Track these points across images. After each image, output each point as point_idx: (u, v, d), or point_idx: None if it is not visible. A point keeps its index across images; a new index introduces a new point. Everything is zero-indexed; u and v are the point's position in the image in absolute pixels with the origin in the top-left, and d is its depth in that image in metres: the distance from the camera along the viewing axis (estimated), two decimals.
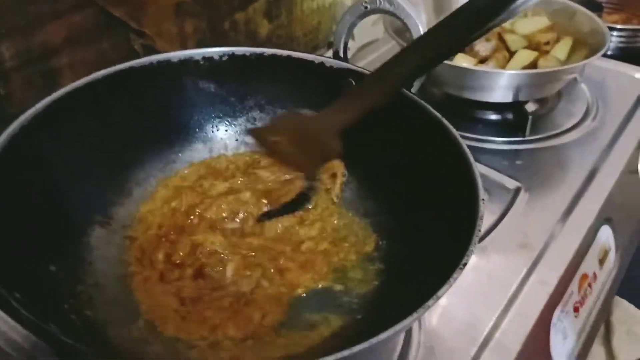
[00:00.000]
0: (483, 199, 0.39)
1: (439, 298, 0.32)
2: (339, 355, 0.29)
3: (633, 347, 0.68)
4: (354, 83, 0.54)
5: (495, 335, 0.49)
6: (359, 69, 0.53)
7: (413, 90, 0.52)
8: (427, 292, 0.33)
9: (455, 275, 0.33)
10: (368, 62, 0.89)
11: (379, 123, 0.52)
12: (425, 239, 0.44)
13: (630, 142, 0.74)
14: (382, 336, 0.31)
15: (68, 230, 0.45)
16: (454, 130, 0.46)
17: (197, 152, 0.56)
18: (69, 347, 0.28)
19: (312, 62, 0.55)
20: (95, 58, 0.60)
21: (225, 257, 0.46)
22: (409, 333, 0.48)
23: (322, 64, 0.54)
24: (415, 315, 0.32)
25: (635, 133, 0.76)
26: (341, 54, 0.55)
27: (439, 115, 0.48)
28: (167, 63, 0.53)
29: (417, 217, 0.46)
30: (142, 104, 0.53)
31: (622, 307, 0.72)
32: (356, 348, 0.29)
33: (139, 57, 0.53)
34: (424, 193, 0.47)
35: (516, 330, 0.49)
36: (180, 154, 0.55)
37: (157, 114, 0.54)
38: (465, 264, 0.34)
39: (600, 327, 0.68)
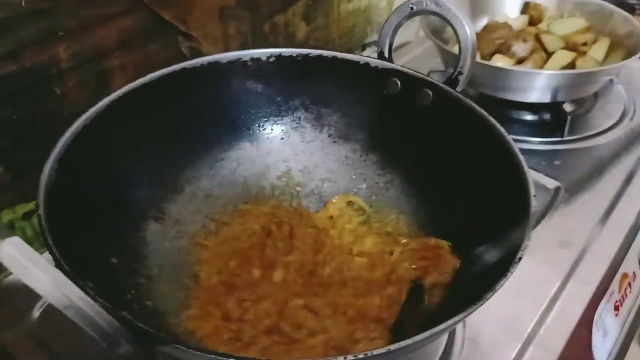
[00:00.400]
0: (534, 195, 0.39)
1: (496, 291, 0.33)
2: (401, 344, 0.30)
3: None
4: (399, 83, 0.55)
5: (540, 332, 0.49)
6: (404, 69, 0.54)
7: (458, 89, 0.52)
8: (483, 288, 0.34)
9: (512, 269, 0.34)
10: (401, 64, 0.89)
11: (425, 123, 0.53)
12: (476, 237, 0.45)
13: None
14: (442, 327, 0.32)
15: (126, 224, 0.47)
16: (501, 128, 0.47)
17: (244, 151, 0.57)
18: (145, 332, 0.29)
19: (357, 62, 0.56)
20: (144, 60, 0.62)
21: None
22: (452, 329, 0.49)
23: (367, 64, 0.56)
24: (473, 307, 0.33)
25: None
26: (386, 54, 0.56)
27: (484, 112, 0.48)
28: (217, 64, 0.55)
29: (467, 215, 0.47)
30: (192, 104, 0.54)
31: None
32: (417, 337, 0.31)
33: (185, 59, 0.54)
34: (473, 191, 0.48)
35: (560, 327, 0.50)
36: (227, 152, 0.57)
37: (207, 114, 0.55)
38: (520, 258, 0.35)
39: (638, 327, 0.67)
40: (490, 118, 0.48)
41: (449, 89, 0.52)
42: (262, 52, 0.57)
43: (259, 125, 0.58)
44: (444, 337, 0.48)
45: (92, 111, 0.46)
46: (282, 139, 0.59)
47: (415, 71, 0.54)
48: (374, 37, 0.98)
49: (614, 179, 0.67)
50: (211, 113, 0.56)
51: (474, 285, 0.34)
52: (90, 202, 0.43)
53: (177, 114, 0.53)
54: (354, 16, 0.92)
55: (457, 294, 0.38)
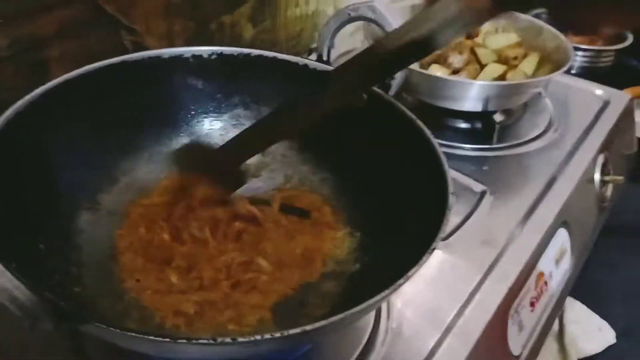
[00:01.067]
0: (452, 192, 0.42)
1: (409, 277, 0.36)
2: (318, 324, 0.32)
3: (584, 344, 0.72)
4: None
5: (458, 322, 0.52)
6: None
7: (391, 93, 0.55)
8: (399, 275, 0.37)
9: (425, 258, 0.37)
10: None
11: (358, 123, 0.56)
12: (397, 230, 0.47)
13: (588, 153, 0.79)
14: (357, 309, 0.34)
15: (57, 212, 0.47)
16: (426, 129, 0.49)
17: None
18: (67, 311, 0.30)
19: (296, 63, 0.58)
20: (83, 52, 0.62)
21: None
22: (377, 318, 0.51)
23: (305, 65, 0.58)
24: (387, 291, 0.35)
25: (593, 145, 0.81)
26: (325, 57, 0.59)
27: (412, 115, 0.51)
28: (158, 59, 0.56)
29: (390, 209, 0.50)
30: (131, 97, 0.55)
31: (575, 307, 0.76)
32: (333, 318, 0.33)
33: (127, 52, 0.55)
34: (397, 188, 0.50)
35: (477, 319, 0.53)
36: (166, 147, 0.58)
37: (146, 108, 0.56)
38: (434, 249, 0.38)
39: (554, 324, 0.72)
40: (418, 121, 0.51)
41: (381, 92, 0.55)
42: (204, 50, 0.58)
43: (198, 122, 0.60)
44: (369, 325, 0.51)
45: (26, 99, 0.46)
46: (220, 135, 0.60)
47: None
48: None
49: (536, 184, 0.71)
50: (150, 107, 0.57)
51: (390, 276, 0.37)
52: (21, 188, 0.43)
53: (115, 107, 0.54)
54: (302, 21, 0.95)
55: (373, 285, 0.40)
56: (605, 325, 0.75)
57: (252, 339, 0.30)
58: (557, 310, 0.69)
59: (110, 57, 0.53)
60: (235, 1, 0.79)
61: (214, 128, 0.60)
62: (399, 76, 0.56)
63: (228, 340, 0.30)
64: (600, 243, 0.82)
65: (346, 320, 0.34)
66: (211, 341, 0.30)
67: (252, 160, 0.58)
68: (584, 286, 0.80)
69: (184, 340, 0.30)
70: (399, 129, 0.52)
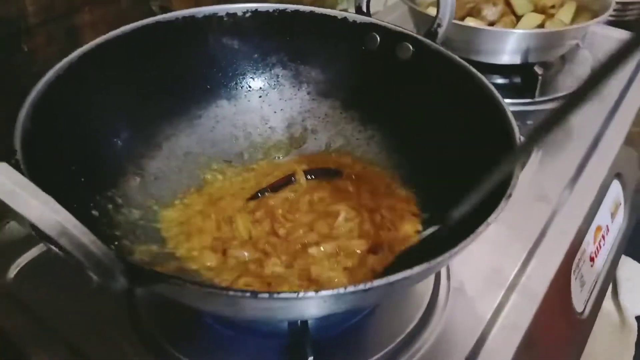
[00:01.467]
0: (520, 137, 0.40)
1: (489, 224, 0.34)
2: (394, 277, 0.30)
3: (639, 300, 0.70)
4: (378, 38, 0.54)
5: (522, 280, 0.50)
6: (384, 23, 0.54)
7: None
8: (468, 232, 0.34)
9: (502, 205, 0.35)
10: None
11: (406, 77, 0.53)
12: (458, 184, 0.45)
13: (634, 102, 0.76)
14: (437, 260, 0.32)
15: (105, 178, 0.45)
16: (481, 76, 0.47)
17: (222, 109, 0.56)
18: (141, 268, 0.28)
19: (335, 17, 0.55)
20: (114, 17, 0.60)
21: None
22: (437, 280, 0.49)
23: (345, 19, 0.55)
24: (465, 242, 0.33)
25: (637, 95, 0.78)
26: (364, 9, 0.56)
27: (465, 63, 0.48)
28: (192, 19, 0.53)
29: (451, 165, 0.47)
30: (167, 60, 0.53)
31: (627, 265, 0.74)
32: (416, 269, 0.30)
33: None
34: (457, 139, 0.48)
35: (540, 276, 0.51)
36: (205, 110, 0.55)
37: (182, 70, 0.54)
38: (510, 195, 0.35)
39: (610, 282, 0.70)
40: (470, 67, 0.48)
41: (429, 41, 0.52)
42: (238, 7, 0.55)
43: (236, 83, 0.57)
44: (429, 290, 0.49)
45: (64, 61, 0.44)
46: (260, 96, 0.57)
47: (394, 25, 0.54)
48: (344, 4, 0.98)
49: (585, 138, 0.68)
50: (186, 70, 0.54)
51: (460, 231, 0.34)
52: (68, 154, 0.42)
53: (151, 70, 0.52)
54: None
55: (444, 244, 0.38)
56: None
57: (341, 291, 0.28)
58: (615, 265, 0.67)
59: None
60: None
61: (253, 89, 0.57)
62: (445, 22, 0.53)
63: (311, 294, 0.28)
64: None
65: (422, 273, 0.32)
66: (295, 295, 0.28)
67: (288, 122, 0.56)
68: (635, 244, 0.78)
69: (266, 295, 0.28)
70: (451, 79, 0.50)
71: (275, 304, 0.29)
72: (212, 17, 0.54)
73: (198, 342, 0.43)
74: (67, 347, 0.42)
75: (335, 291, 0.29)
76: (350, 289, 0.29)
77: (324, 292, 0.29)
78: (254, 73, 0.57)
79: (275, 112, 0.58)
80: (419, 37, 0.52)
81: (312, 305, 0.31)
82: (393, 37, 0.53)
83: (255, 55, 0.57)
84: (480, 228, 0.34)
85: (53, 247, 0.26)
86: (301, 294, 0.28)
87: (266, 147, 0.56)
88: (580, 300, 0.56)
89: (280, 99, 0.58)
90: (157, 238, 0.46)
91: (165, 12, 0.64)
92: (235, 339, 0.43)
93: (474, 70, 0.48)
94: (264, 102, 0.57)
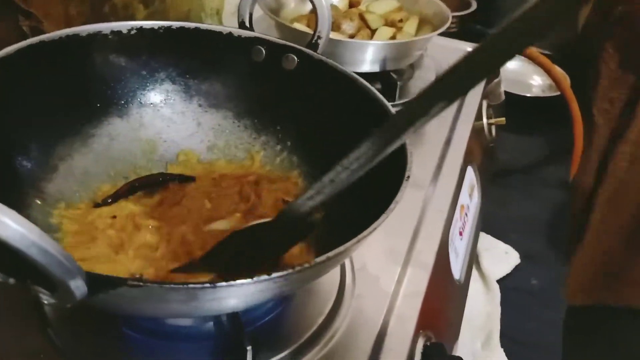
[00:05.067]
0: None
1: (397, 202, 0.39)
2: (308, 264, 0.34)
3: (496, 267, 0.82)
4: (263, 50, 0.58)
5: (413, 255, 0.57)
6: (268, 37, 0.58)
7: None
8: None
9: (404, 185, 0.40)
10: None
11: (292, 85, 0.58)
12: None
13: (475, 99, 0.89)
14: (341, 248, 0.36)
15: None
16: (362, 79, 0.53)
17: (115, 126, 0.56)
18: (98, 276, 0.29)
19: (220, 32, 0.58)
20: None
21: None
22: (342, 264, 0.54)
23: (230, 34, 0.58)
24: (379, 220, 0.38)
25: (476, 94, 0.91)
26: (247, 24, 0.59)
27: (346, 70, 0.54)
28: (76, 37, 0.53)
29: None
30: (54, 80, 0.51)
31: (483, 237, 0.86)
32: (320, 258, 0.34)
33: (26, 38, 0.51)
34: (348, 140, 0.52)
35: (428, 250, 0.58)
36: (98, 128, 0.55)
37: (70, 90, 0.53)
38: (409, 177, 0.42)
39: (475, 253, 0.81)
40: (351, 72, 0.54)
41: (312, 52, 0.57)
42: (123, 25, 0.56)
43: (126, 100, 0.57)
44: (337, 272, 0.53)
45: None
46: (152, 112, 0.58)
47: (277, 38, 0.58)
48: (208, 22, 1.00)
49: (442, 131, 0.79)
50: (74, 89, 0.53)
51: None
52: None
53: (38, 91, 0.50)
54: (189, 2, 0.93)
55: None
56: (510, 249, 0.86)
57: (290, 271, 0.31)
58: (477, 238, 0.78)
59: (10, 43, 0.49)
60: None
61: (144, 105, 0.58)
62: (325, 33, 0.58)
63: (264, 277, 0.31)
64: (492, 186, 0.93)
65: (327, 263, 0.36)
66: (250, 280, 0.31)
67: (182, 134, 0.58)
68: (486, 221, 0.91)
69: (224, 284, 0.30)
70: (334, 85, 0.55)
71: (232, 292, 0.31)
72: (97, 35, 0.54)
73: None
74: None
75: (286, 272, 0.32)
76: (298, 268, 0.32)
77: (276, 274, 0.32)
78: (144, 89, 0.58)
79: (168, 125, 0.59)
80: (303, 48, 0.57)
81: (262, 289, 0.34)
82: (278, 49, 0.58)
83: (144, 72, 0.58)
84: (391, 206, 0.39)
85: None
86: (255, 278, 0.31)
87: (163, 160, 0.57)
88: (457, 269, 0.65)
89: (172, 113, 0.59)
90: None
91: (37, 34, 0.62)
92: (160, 346, 0.44)
93: (355, 75, 0.54)
94: (157, 117, 0.58)
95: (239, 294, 0.33)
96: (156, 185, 0.54)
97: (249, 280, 0.31)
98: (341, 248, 0.35)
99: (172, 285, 0.29)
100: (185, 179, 0.55)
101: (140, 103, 0.58)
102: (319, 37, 0.58)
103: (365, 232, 0.37)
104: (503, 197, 0.96)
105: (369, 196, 0.44)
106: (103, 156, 0.54)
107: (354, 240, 0.36)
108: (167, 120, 0.59)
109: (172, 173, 0.56)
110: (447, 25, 0.86)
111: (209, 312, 0.40)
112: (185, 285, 0.29)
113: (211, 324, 0.45)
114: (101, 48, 0.55)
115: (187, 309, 0.34)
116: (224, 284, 0.30)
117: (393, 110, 0.50)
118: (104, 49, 0.55)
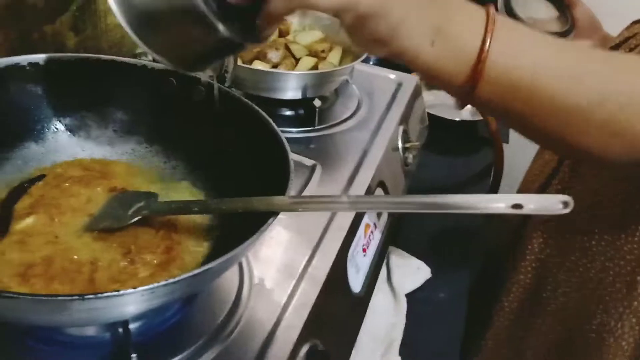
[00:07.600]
0: (292, 159, 0.52)
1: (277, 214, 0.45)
2: (195, 271, 0.39)
3: (407, 282, 0.88)
4: (174, 82, 0.64)
5: (309, 270, 0.62)
6: (178, 70, 0.63)
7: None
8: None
9: (271, 220, 0.46)
10: None
11: (200, 114, 0.63)
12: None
13: (391, 126, 0.95)
14: (223, 258, 0.41)
15: None
16: (264, 113, 0.59)
17: (29, 150, 0.60)
18: None
19: (135, 64, 0.63)
20: None
21: None
22: (242, 276, 0.59)
23: (144, 66, 0.63)
24: (265, 225, 0.43)
25: (393, 120, 0.98)
26: None
27: (250, 103, 0.60)
28: None
29: (241, 187, 0.57)
30: None
31: (397, 254, 0.92)
32: (204, 267, 0.40)
33: None
34: (245, 169, 0.59)
35: (323, 266, 0.64)
36: (12, 152, 0.59)
37: None
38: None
39: (383, 269, 0.87)
40: (255, 106, 0.60)
41: (218, 84, 0.63)
42: (40, 57, 0.60)
43: (42, 126, 0.62)
44: (235, 284, 0.58)
45: None
46: (68, 137, 0.63)
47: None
48: (139, 49, 1.05)
49: (354, 155, 0.85)
50: None
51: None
52: None
53: None
54: (122, 28, 0.97)
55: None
56: (422, 264, 0.92)
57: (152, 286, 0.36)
58: (384, 254, 0.84)
59: None
60: (57, 10, 0.80)
61: (60, 130, 0.62)
62: (230, 68, 0.64)
63: (130, 290, 0.36)
64: None
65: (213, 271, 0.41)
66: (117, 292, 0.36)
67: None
68: (401, 236, 0.97)
69: (92, 296, 0.35)
70: (240, 116, 0.61)
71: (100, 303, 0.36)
72: (14, 67, 0.59)
73: None
74: None
75: (155, 285, 0.37)
76: (170, 280, 0.37)
77: (143, 287, 0.37)
78: (60, 116, 0.62)
79: (83, 149, 0.63)
80: (210, 81, 0.63)
81: (133, 301, 0.39)
82: (187, 81, 0.63)
83: (61, 100, 0.62)
84: (270, 220, 0.44)
85: None
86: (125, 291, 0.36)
87: None
88: (357, 283, 0.71)
89: (88, 138, 0.64)
90: None
91: None
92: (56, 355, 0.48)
93: (257, 108, 0.60)
94: (72, 142, 0.63)
95: (109, 305, 0.38)
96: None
97: (114, 292, 0.36)
98: (196, 271, 0.40)
99: (40, 297, 0.34)
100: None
101: (56, 129, 0.62)
102: (225, 71, 0.64)
103: (213, 264, 0.42)
104: (420, 215, 1.02)
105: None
106: (14, 179, 0.58)
107: (204, 267, 0.41)
108: (83, 144, 0.63)
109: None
110: (365, 55, 0.93)
111: (90, 323, 0.44)
112: (53, 297, 0.34)
113: (109, 333, 0.50)
114: (18, 78, 0.59)
115: (64, 319, 0.38)
116: (91, 295, 0.35)
117: (285, 141, 0.55)
118: (22, 79, 0.59)
